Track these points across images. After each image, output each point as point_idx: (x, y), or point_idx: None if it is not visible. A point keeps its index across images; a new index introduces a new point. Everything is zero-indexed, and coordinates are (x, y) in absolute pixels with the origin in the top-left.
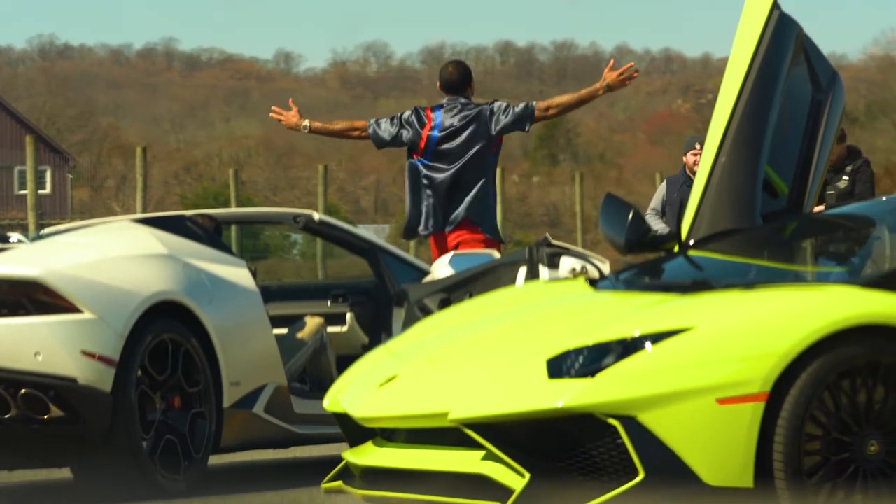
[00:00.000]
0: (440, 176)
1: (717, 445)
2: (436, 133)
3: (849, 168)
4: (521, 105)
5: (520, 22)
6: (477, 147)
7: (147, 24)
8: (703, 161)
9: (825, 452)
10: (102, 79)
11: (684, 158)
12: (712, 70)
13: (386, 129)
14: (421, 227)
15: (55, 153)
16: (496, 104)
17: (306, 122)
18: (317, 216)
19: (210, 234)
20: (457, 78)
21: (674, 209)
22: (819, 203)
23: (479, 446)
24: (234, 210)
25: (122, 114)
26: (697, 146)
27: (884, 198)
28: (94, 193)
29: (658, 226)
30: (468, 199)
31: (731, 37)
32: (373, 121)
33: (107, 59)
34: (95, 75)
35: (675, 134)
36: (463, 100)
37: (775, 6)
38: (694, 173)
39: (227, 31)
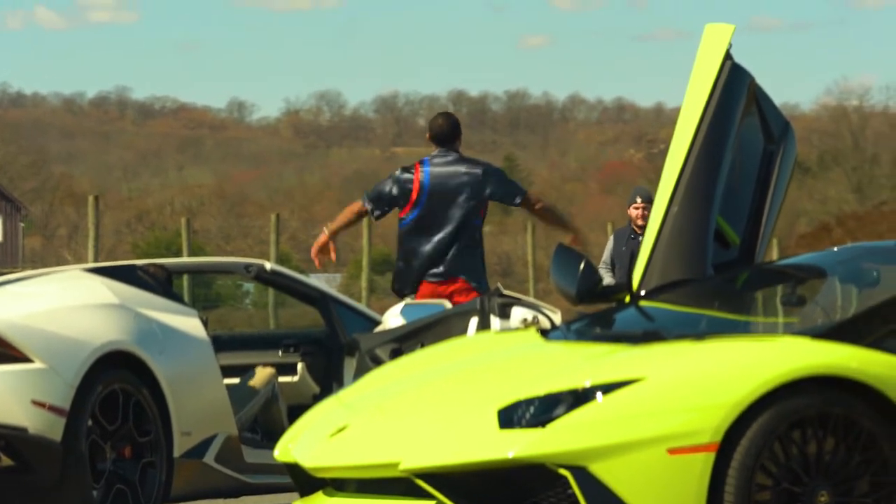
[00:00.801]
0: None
1: (668, 495)
2: (426, 184)
3: None
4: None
5: (472, 71)
6: (467, 203)
7: (100, 71)
8: (655, 211)
9: (775, 502)
10: (55, 127)
11: (628, 211)
12: (665, 120)
13: (377, 192)
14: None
15: (7, 201)
16: (491, 168)
17: (326, 232)
18: (268, 266)
19: (162, 283)
20: (447, 130)
21: (623, 262)
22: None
23: (429, 496)
24: (186, 259)
25: (74, 162)
26: (639, 199)
27: (835, 248)
28: (46, 242)
29: (608, 281)
30: (456, 251)
31: (684, 87)
32: (365, 194)
33: (60, 107)
34: (48, 123)
35: (628, 183)
36: (453, 153)
37: (728, 56)
38: (638, 226)
39: (181, 79)
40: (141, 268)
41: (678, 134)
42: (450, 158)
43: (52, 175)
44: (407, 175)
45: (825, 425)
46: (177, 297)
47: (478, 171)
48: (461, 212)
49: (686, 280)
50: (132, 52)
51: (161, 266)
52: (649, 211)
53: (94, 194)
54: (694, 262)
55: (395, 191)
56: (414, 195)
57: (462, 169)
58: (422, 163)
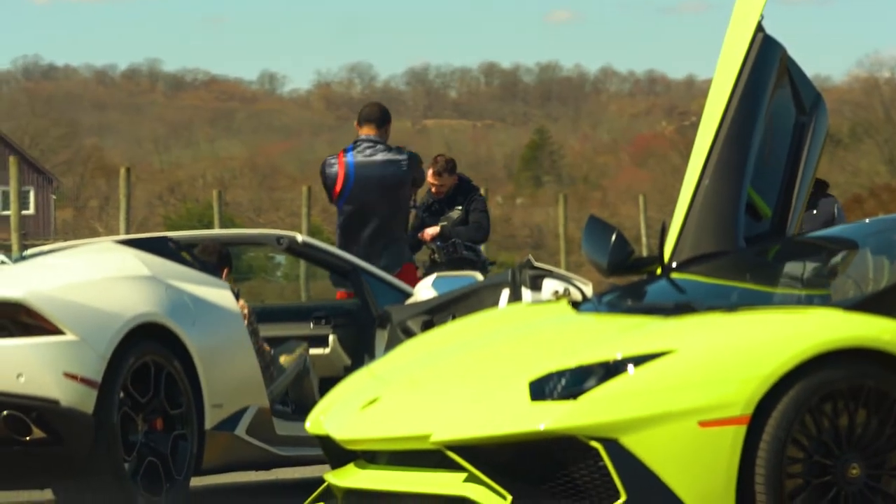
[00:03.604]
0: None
1: (699, 468)
2: (351, 172)
3: (461, 199)
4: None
5: (504, 43)
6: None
7: (131, 44)
8: (686, 183)
9: (807, 475)
10: (86, 99)
11: None
12: (696, 92)
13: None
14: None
15: (39, 174)
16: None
17: None
18: (300, 238)
19: (201, 260)
20: (376, 115)
21: None
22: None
23: (461, 468)
24: (217, 231)
25: (105, 134)
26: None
27: (867, 220)
28: (78, 214)
29: None
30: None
31: (716, 59)
32: None
33: (91, 79)
34: (79, 96)
35: (659, 156)
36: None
37: (759, 28)
38: None
39: (212, 51)
40: (173, 240)
41: (709, 106)
42: (376, 147)
43: (84, 147)
44: (332, 161)
45: (857, 398)
46: (210, 270)
47: (403, 158)
48: (389, 200)
49: (717, 252)
50: (163, 24)
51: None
52: None
53: (125, 166)
54: (725, 234)
55: (322, 178)
56: (339, 184)
57: (388, 157)
58: (345, 151)
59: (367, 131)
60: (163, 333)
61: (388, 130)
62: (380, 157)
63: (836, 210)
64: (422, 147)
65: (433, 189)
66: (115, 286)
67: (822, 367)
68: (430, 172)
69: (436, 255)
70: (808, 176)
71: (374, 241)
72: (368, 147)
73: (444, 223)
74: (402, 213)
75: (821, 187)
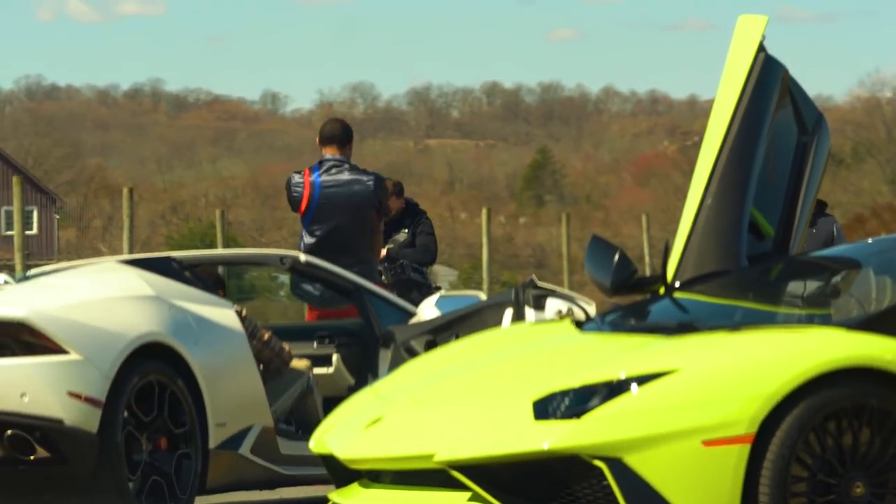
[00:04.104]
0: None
1: (703, 487)
2: (317, 192)
3: (408, 222)
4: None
5: (506, 63)
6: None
7: (134, 64)
8: (689, 203)
9: (811, 494)
10: (89, 119)
11: None
12: (698, 112)
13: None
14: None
15: (42, 193)
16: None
17: None
18: (303, 257)
19: (203, 280)
20: (340, 134)
21: None
22: None
23: (465, 488)
24: (220, 251)
25: (108, 154)
26: None
27: (870, 240)
28: (81, 234)
29: None
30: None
31: (718, 79)
32: None
33: (94, 99)
34: (82, 116)
35: (661, 176)
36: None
37: (761, 48)
38: None
39: (214, 71)
40: (177, 260)
41: (712, 126)
42: (342, 167)
43: (87, 167)
44: (297, 180)
45: (860, 416)
46: (211, 289)
47: (368, 179)
48: (354, 220)
49: (720, 271)
50: (164, 44)
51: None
52: None
53: (128, 186)
54: (728, 253)
55: (288, 197)
56: (304, 203)
57: (353, 177)
58: (311, 170)
59: (330, 151)
60: (166, 353)
61: (351, 149)
62: (345, 175)
63: (834, 229)
64: (424, 166)
65: None
66: (118, 306)
67: (826, 386)
68: None
69: (383, 277)
70: (810, 195)
71: (342, 261)
72: (334, 166)
73: (391, 245)
74: (368, 234)
75: (819, 207)
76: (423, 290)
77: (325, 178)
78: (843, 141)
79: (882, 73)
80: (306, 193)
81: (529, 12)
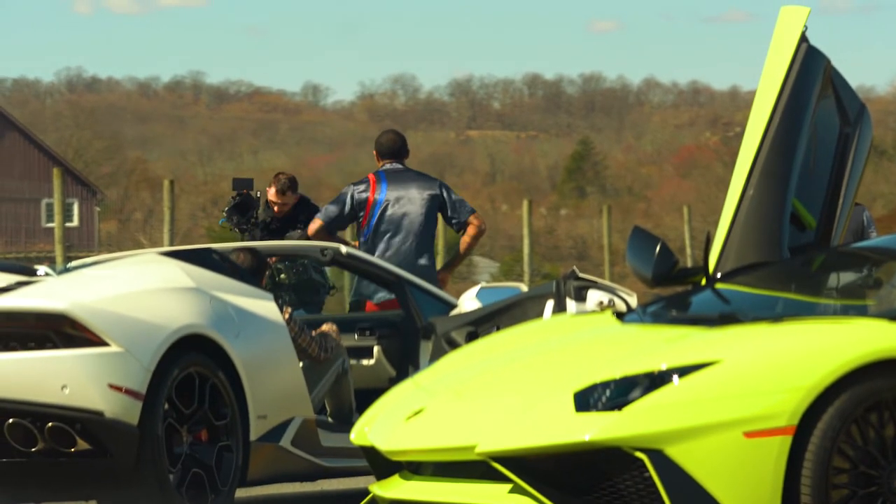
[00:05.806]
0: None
1: (745, 479)
2: (381, 198)
3: (303, 218)
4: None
5: (548, 54)
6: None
7: (174, 56)
8: (731, 194)
9: (853, 486)
10: (130, 112)
11: None
12: (740, 103)
13: (332, 212)
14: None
15: (83, 186)
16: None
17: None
18: (344, 249)
19: (242, 270)
20: (399, 145)
21: None
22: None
23: (505, 479)
24: (261, 243)
25: (149, 147)
26: None
27: None
28: (122, 226)
29: None
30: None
31: (760, 70)
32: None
33: (134, 91)
34: (123, 108)
35: (703, 167)
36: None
37: (803, 39)
38: None
39: (255, 63)
40: (222, 254)
41: (754, 117)
42: (406, 173)
43: (128, 159)
44: (363, 186)
45: None
46: (253, 279)
47: (434, 185)
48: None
49: (762, 263)
50: (205, 36)
51: (250, 252)
52: None
53: (169, 178)
54: (770, 244)
55: (347, 208)
56: (368, 208)
57: (419, 182)
58: (377, 176)
59: (390, 162)
60: (207, 345)
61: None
62: (414, 188)
63: (864, 218)
64: (465, 158)
65: (275, 208)
66: (159, 298)
67: (868, 378)
68: (272, 191)
69: (283, 276)
70: (852, 186)
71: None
72: (396, 171)
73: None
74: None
75: None
76: (322, 290)
77: (392, 183)
78: (885, 132)
79: None
80: (370, 200)
81: (570, 3)
